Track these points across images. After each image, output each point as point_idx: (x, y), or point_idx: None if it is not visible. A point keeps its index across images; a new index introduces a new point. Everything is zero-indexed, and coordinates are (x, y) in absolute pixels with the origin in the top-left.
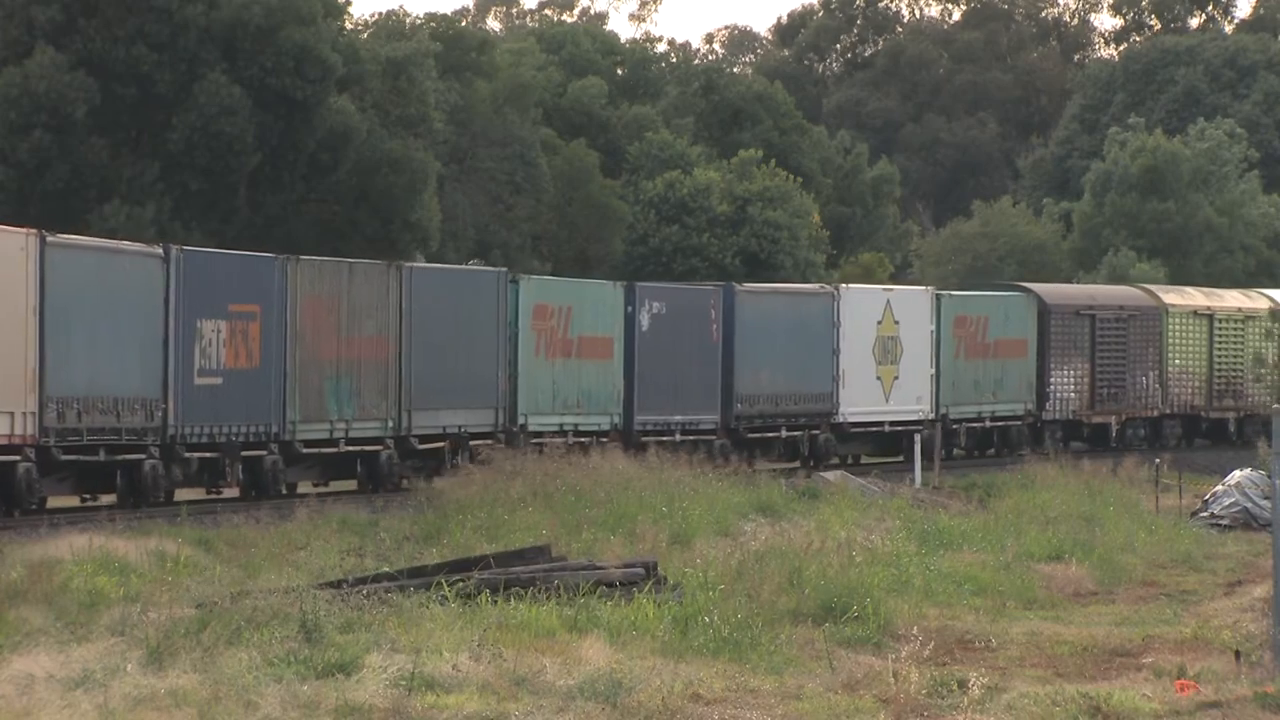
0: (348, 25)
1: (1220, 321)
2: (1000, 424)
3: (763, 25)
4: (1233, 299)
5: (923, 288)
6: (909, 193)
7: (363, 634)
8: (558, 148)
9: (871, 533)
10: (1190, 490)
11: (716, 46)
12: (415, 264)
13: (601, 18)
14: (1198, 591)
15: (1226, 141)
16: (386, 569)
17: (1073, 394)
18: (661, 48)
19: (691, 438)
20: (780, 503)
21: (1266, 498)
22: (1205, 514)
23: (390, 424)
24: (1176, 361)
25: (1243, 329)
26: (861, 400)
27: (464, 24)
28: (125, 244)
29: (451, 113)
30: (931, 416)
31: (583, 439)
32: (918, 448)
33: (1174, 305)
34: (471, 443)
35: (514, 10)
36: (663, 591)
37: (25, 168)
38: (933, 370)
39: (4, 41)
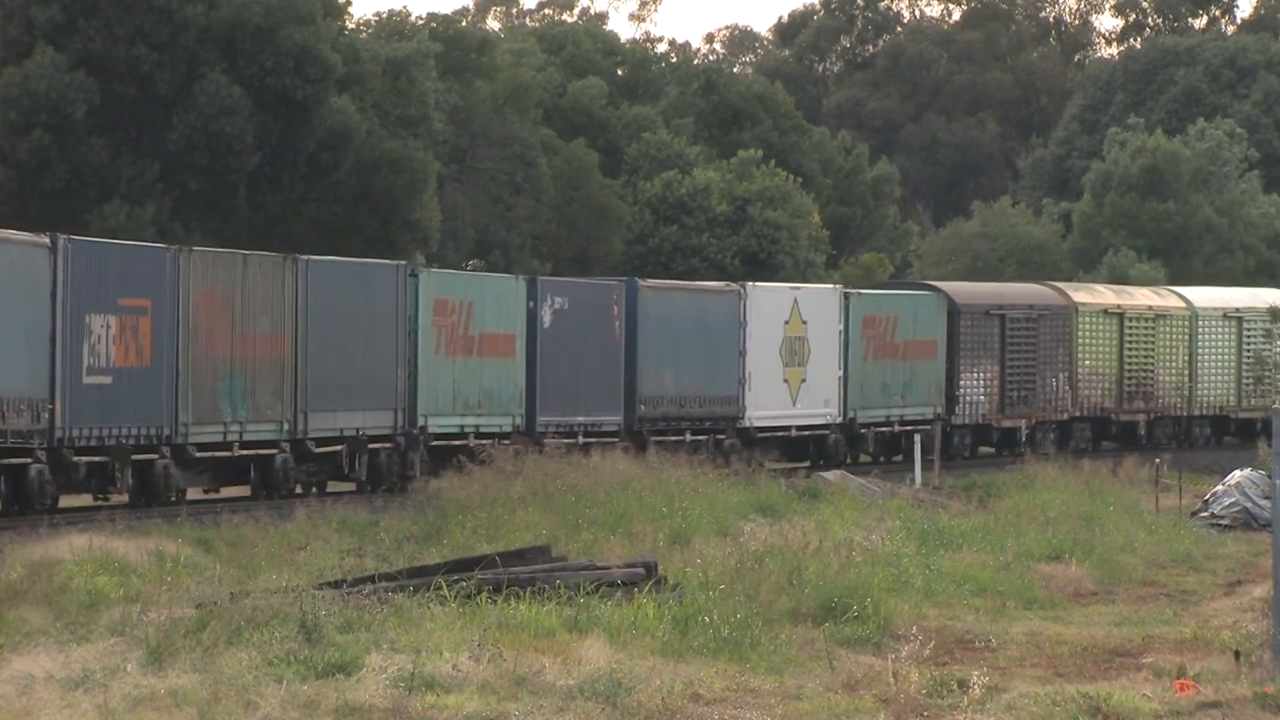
0: (348, 25)
1: (1131, 320)
2: (909, 428)
3: (763, 25)
4: (1143, 297)
5: (830, 286)
6: (909, 193)
7: (363, 634)
8: (558, 148)
9: (871, 532)
10: (1190, 490)
11: (717, 46)
12: (312, 256)
13: (601, 18)
14: (1198, 591)
15: (1226, 142)
16: (386, 569)
17: (982, 397)
18: (661, 48)
19: (594, 440)
20: (780, 502)
21: (1266, 497)
22: (1205, 514)
23: (286, 426)
24: (1087, 362)
25: (1153, 328)
26: (768, 403)
27: (464, 24)
28: (10, 233)
29: (451, 113)
30: (839, 421)
31: (483, 441)
32: (917, 448)
33: (1084, 304)
34: (370, 445)
35: (514, 10)
36: (663, 591)
37: (25, 168)
38: (841, 372)
39: (4, 41)
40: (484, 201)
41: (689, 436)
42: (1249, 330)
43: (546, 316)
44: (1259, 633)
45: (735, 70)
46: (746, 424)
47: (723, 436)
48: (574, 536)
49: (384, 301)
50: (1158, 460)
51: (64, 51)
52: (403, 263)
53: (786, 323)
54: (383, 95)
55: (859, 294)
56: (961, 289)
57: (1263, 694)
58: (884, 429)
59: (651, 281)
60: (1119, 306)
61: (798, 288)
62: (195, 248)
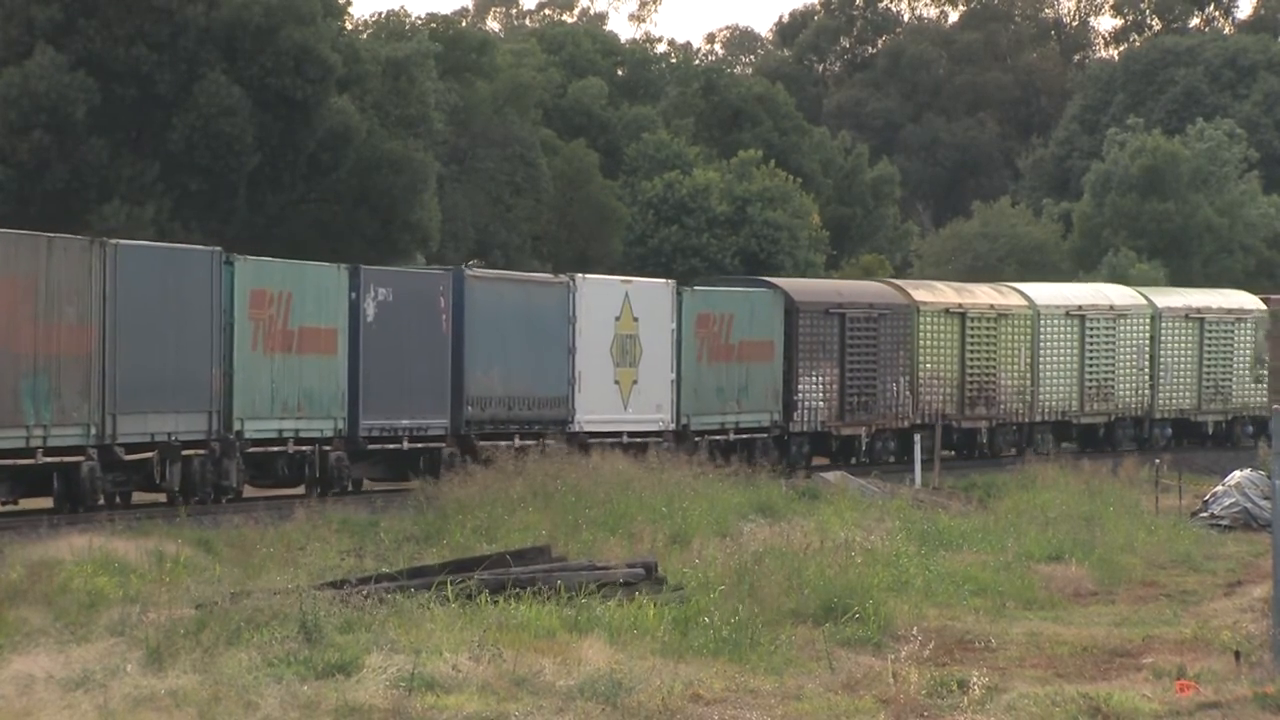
0: (348, 25)
1: (972, 321)
2: (745, 436)
3: (763, 26)
4: (985, 295)
5: (663, 280)
6: (909, 193)
7: (363, 634)
8: (558, 148)
9: (871, 533)
10: (1190, 490)
11: (717, 47)
12: (122, 241)
13: (601, 18)
14: (1198, 592)
15: (1226, 142)
16: (386, 569)
17: (821, 403)
18: (662, 48)
19: (419, 445)
20: (780, 503)
21: (1266, 498)
22: (1205, 514)
23: (93, 430)
24: (928, 365)
25: (995, 328)
26: (599, 407)
27: (464, 24)
28: None
29: (451, 113)
30: (672, 427)
31: (304, 448)
32: (917, 449)
33: (925, 303)
34: (184, 452)
35: (513, 11)
36: (663, 592)
37: (25, 168)
38: (673, 375)
39: (4, 42)
40: (484, 202)
41: (517, 441)
42: (1091, 329)
43: (370, 309)
44: (1259, 633)
45: (735, 71)
46: (576, 428)
47: (551, 441)
48: (573, 537)
49: (197, 292)
50: (1157, 460)
51: (64, 51)
52: (217, 249)
53: (618, 319)
54: (383, 95)
55: (692, 290)
56: (800, 285)
57: (1263, 694)
58: (719, 437)
59: (479, 271)
60: (960, 306)
61: (629, 281)
62: None
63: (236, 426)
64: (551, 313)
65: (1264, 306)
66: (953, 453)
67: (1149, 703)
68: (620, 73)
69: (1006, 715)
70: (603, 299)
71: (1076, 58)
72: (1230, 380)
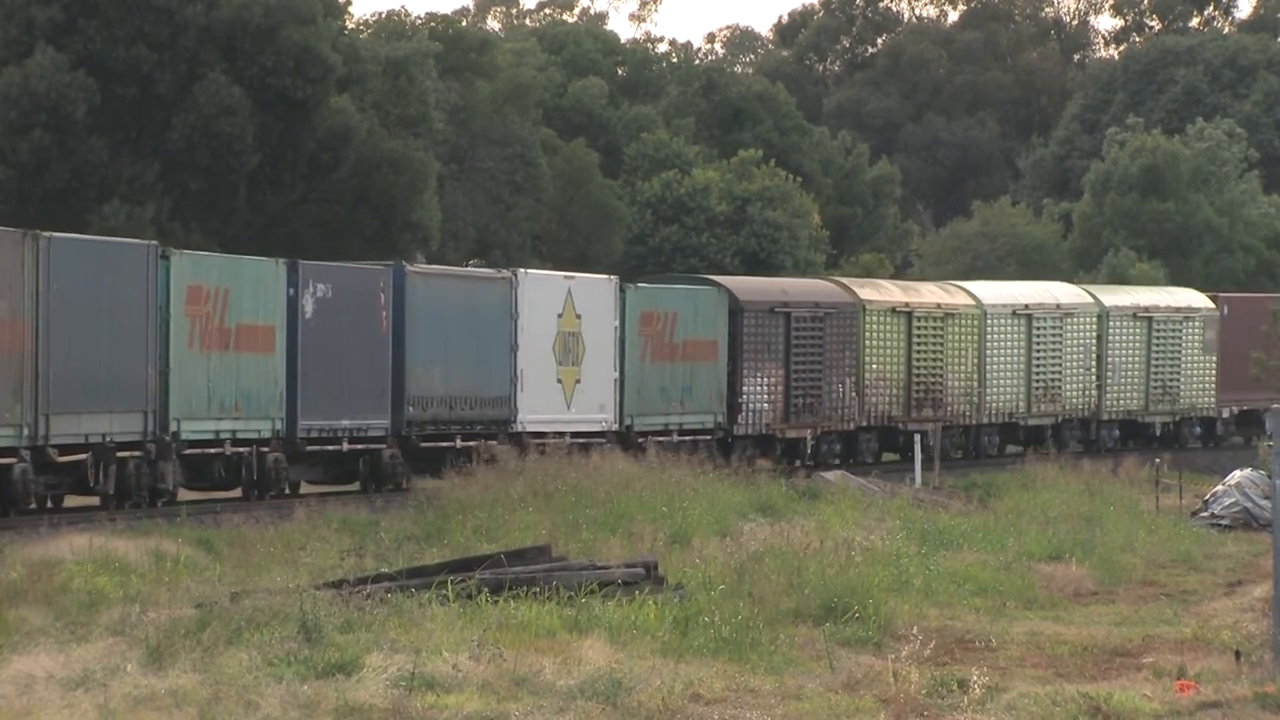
0: (348, 25)
1: (919, 320)
2: (689, 438)
3: (763, 25)
4: (931, 294)
5: (606, 277)
6: (909, 193)
7: (363, 634)
8: (558, 148)
9: (872, 533)
10: (1190, 490)
11: (717, 46)
12: (55, 234)
13: (601, 18)
14: (1198, 591)
15: (1226, 141)
16: (386, 569)
17: (766, 404)
18: (662, 48)
19: (360, 446)
20: (780, 502)
21: (1266, 497)
22: (1205, 514)
23: (25, 431)
24: (874, 366)
25: (942, 328)
26: (542, 407)
27: (464, 24)
28: None
29: (452, 113)
30: (615, 428)
31: (241, 449)
32: (918, 447)
33: (871, 302)
34: (119, 454)
35: (514, 10)
36: (663, 591)
37: (25, 168)
38: (617, 374)
39: (4, 41)
40: (484, 201)
41: (459, 442)
42: (1038, 329)
43: (309, 306)
44: (1259, 633)
45: (735, 70)
46: (519, 429)
47: (494, 442)
48: (574, 536)
49: (133, 287)
50: (1158, 460)
51: (64, 51)
52: (153, 243)
53: (560, 316)
54: (383, 95)
55: (636, 287)
56: (744, 284)
57: (1263, 694)
58: (663, 438)
59: (419, 267)
60: (907, 305)
61: (572, 277)
62: None
63: (173, 427)
64: (494, 309)
65: (1212, 305)
66: (897, 456)
67: (1149, 702)
68: (620, 72)
69: (1007, 715)
70: (545, 295)
71: (1076, 57)
72: (1178, 380)
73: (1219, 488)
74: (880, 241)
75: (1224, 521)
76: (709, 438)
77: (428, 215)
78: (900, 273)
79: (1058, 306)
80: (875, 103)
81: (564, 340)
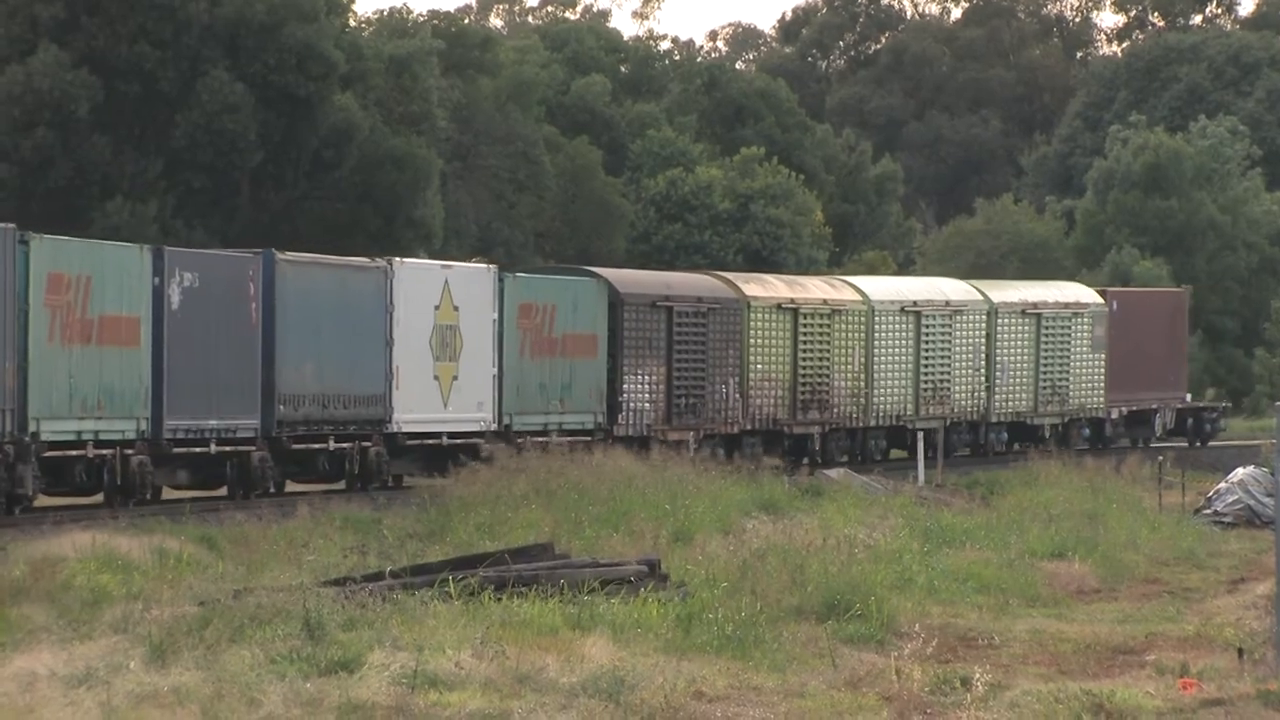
0: (351, 22)
1: (805, 317)
2: (569, 439)
3: (766, 22)
4: (818, 289)
5: (484, 266)
6: (912, 190)
7: (365, 631)
8: (560, 145)
9: (874, 530)
10: (1193, 487)
11: (720, 44)
12: None
13: (604, 15)
14: (1201, 589)
15: (1229, 139)
16: (389, 566)
17: (648, 405)
18: (664, 45)
19: (228, 448)
20: (783, 500)
21: (1269, 495)
22: (1208, 511)
23: None
24: (759, 366)
25: (828, 325)
26: (418, 405)
27: (467, 21)
28: None
29: (454, 110)
30: (494, 428)
31: (104, 451)
32: (920, 445)
33: (756, 298)
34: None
35: (516, 8)
36: (666, 589)
37: (28, 165)
38: (495, 370)
39: (7, 39)
40: (487, 199)
41: (332, 444)
42: (927, 327)
43: (175, 296)
44: (1262, 630)
45: (738, 67)
46: (394, 429)
47: (368, 444)
48: (576, 534)
49: None
50: (1160, 458)
51: (67, 49)
52: (10, 225)
53: (437, 308)
54: (385, 92)
55: (514, 277)
56: (625, 276)
57: (1266, 691)
58: (541, 439)
59: (290, 255)
60: (793, 301)
61: (449, 266)
62: None
63: (32, 428)
64: (368, 301)
65: (1101, 301)
66: (780, 461)
67: (1152, 700)
68: (623, 70)
69: (1010, 712)
70: (422, 286)
71: (1079, 54)
72: (1067, 380)
73: (1222, 485)
74: (883, 239)
75: (1227, 519)
76: (589, 439)
77: (430, 213)
78: (903, 270)
79: (947, 303)
80: (878, 100)
81: (441, 334)
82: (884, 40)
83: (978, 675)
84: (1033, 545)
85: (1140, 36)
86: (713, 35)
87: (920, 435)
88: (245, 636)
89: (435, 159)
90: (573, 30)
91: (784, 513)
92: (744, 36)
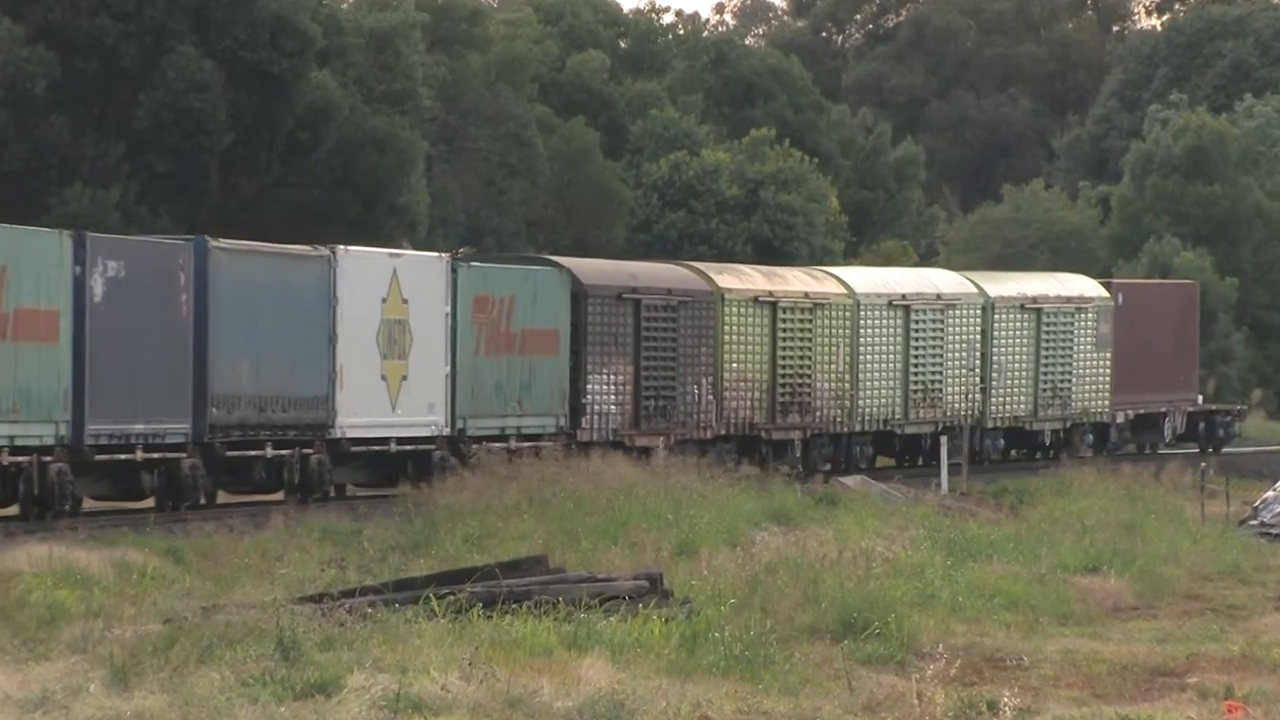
0: None
1: (784, 311)
2: (528, 444)
3: None
4: (798, 281)
5: (436, 255)
6: (934, 175)
7: (344, 652)
8: (555, 126)
9: (894, 542)
10: (1238, 497)
11: (727, 17)
12: None
13: None
14: (1246, 606)
15: (1277, 119)
16: (370, 581)
17: (614, 407)
18: (668, 19)
19: (156, 455)
20: (795, 510)
21: None
22: (1255, 522)
23: None
24: (734, 365)
25: (810, 320)
26: (364, 408)
27: None
28: None
29: (440, 88)
30: (447, 432)
31: (19, 459)
32: (944, 450)
33: (730, 290)
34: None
35: None
36: (669, 606)
37: None
38: (448, 368)
39: None
40: (475, 184)
41: (269, 451)
42: (917, 323)
43: (99, 287)
44: None
45: (747, 43)
46: (338, 434)
47: (309, 451)
48: (572, 546)
49: None
50: (1203, 464)
51: (22, 22)
52: None
53: (385, 301)
54: (366, 69)
55: (469, 267)
56: (589, 266)
57: None
58: (499, 444)
59: (224, 242)
60: (771, 294)
61: (397, 255)
62: None
63: None
64: (310, 293)
65: (1106, 294)
66: (759, 469)
67: None
68: (623, 45)
69: None
70: (368, 277)
71: (1116, 28)
72: (1070, 381)
73: (1269, 494)
74: (903, 228)
75: (1274, 530)
76: (550, 444)
77: (415, 199)
78: (925, 261)
79: (938, 297)
80: (898, 78)
81: (389, 329)
82: (904, 13)
83: (1005, 699)
84: (1065, 559)
85: (1181, 9)
86: (720, 8)
87: (944, 441)
88: (214, 657)
89: (420, 141)
90: (568, 2)
91: (796, 523)
92: (753, 9)
